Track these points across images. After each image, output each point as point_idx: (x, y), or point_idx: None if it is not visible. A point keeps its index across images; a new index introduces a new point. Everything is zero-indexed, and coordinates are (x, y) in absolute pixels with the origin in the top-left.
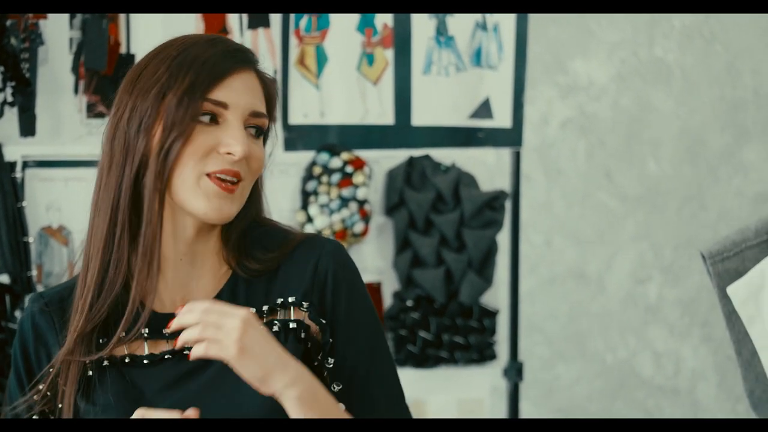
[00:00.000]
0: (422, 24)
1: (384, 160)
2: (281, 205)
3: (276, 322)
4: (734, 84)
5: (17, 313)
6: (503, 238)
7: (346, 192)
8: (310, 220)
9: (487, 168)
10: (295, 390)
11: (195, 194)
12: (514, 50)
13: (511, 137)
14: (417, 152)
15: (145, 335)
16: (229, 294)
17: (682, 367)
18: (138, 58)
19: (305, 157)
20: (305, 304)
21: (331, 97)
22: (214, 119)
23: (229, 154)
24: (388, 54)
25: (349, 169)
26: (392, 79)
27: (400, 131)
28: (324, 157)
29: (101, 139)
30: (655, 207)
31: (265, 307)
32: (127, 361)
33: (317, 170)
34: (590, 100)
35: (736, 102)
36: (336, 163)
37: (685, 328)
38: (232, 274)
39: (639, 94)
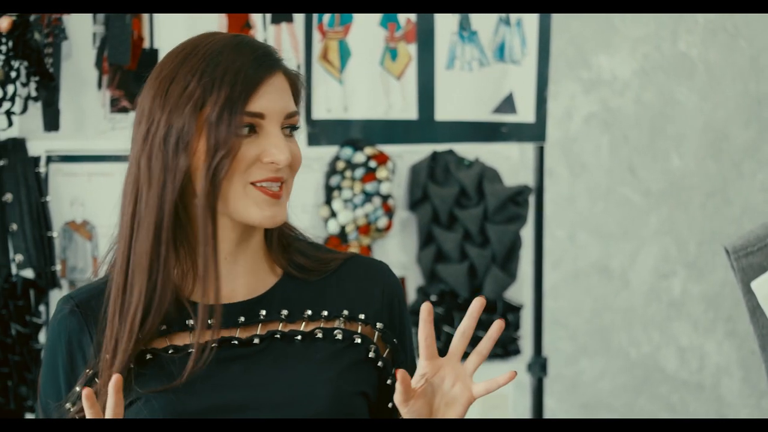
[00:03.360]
0: (445, 19)
1: (407, 155)
2: (305, 200)
3: (338, 330)
4: (758, 79)
5: (41, 308)
6: (527, 233)
7: (369, 187)
8: (333, 215)
9: (510, 163)
10: None
11: (244, 204)
12: (537, 45)
13: (534, 132)
14: (440, 147)
15: (190, 327)
16: (281, 291)
17: (707, 362)
18: (162, 53)
19: (329, 152)
20: (379, 325)
21: (354, 92)
22: (252, 129)
23: (272, 163)
24: (411, 49)
25: (372, 164)
26: (415, 74)
27: (423, 126)
28: (347, 151)
29: (131, 152)
30: (678, 202)
31: (324, 312)
32: (170, 352)
33: (341, 165)
34: (614, 95)
35: (760, 97)
36: (359, 157)
37: (710, 323)
38: (284, 273)
39: (662, 89)
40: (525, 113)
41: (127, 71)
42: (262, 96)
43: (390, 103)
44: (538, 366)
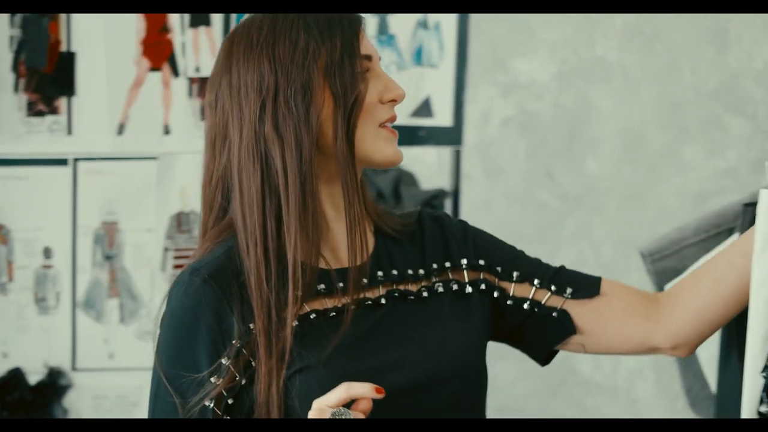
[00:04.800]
0: None
1: None
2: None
3: (438, 284)
4: (674, 83)
5: None
6: None
7: None
8: None
9: (427, 166)
10: None
11: (377, 146)
12: (455, 49)
13: (451, 136)
14: None
15: (323, 291)
16: (384, 252)
17: (620, 365)
18: (79, 57)
19: None
20: (463, 262)
21: None
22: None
23: (392, 101)
24: None
25: None
26: None
27: None
28: None
29: (241, 129)
30: (594, 206)
31: (421, 271)
32: (312, 317)
33: None
34: (531, 99)
35: (677, 101)
36: None
37: None
38: (377, 231)
39: (579, 93)
40: (442, 117)
41: (44, 75)
42: (365, 40)
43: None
44: None
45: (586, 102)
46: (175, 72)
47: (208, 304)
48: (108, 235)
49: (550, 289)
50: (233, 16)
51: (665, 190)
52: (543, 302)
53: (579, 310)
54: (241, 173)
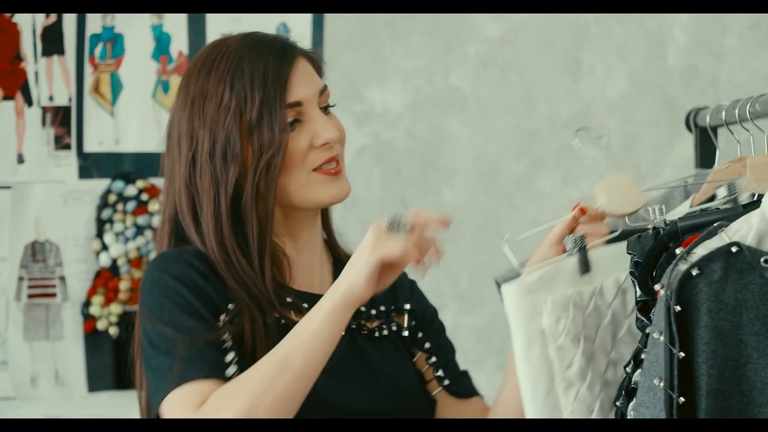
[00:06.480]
0: None
1: None
2: (76, 233)
3: (394, 323)
4: (529, 112)
5: None
6: None
7: (141, 220)
8: (105, 248)
9: None
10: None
11: (310, 190)
12: None
13: None
14: None
15: (289, 303)
16: None
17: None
18: None
19: (100, 184)
20: (407, 306)
21: (126, 125)
22: (295, 120)
23: (325, 144)
24: None
25: (144, 197)
26: None
27: None
28: (119, 184)
29: (177, 176)
30: (450, 235)
31: (372, 311)
32: (282, 322)
33: (112, 198)
34: (386, 128)
35: (531, 130)
36: (131, 191)
37: (480, 355)
38: (336, 263)
39: (434, 123)
40: None
41: None
42: (294, 86)
43: (163, 136)
44: None
45: (440, 131)
46: (29, 101)
47: (202, 271)
48: None
49: (435, 373)
50: (86, 46)
51: (521, 219)
52: (427, 381)
53: (446, 405)
54: (183, 217)
